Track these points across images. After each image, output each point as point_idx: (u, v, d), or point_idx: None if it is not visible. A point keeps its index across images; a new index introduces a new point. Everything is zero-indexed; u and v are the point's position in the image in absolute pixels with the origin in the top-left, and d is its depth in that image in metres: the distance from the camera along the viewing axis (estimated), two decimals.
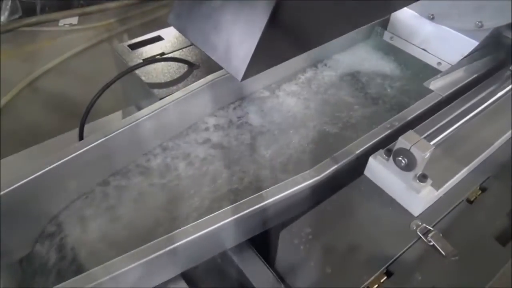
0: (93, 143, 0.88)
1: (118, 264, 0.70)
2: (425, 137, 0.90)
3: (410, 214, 0.83)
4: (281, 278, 0.87)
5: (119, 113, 1.33)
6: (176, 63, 1.21)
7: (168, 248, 0.74)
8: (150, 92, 1.12)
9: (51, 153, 0.83)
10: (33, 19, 2.90)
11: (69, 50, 2.69)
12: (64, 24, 2.98)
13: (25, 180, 0.80)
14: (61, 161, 0.83)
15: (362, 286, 0.72)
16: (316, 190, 0.89)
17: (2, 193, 0.77)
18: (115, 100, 1.41)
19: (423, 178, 0.80)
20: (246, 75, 0.57)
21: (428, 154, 0.77)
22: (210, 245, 0.86)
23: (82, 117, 1.11)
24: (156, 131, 1.00)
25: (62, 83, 2.46)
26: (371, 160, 0.87)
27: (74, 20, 3.02)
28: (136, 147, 0.97)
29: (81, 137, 1.09)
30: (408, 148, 0.77)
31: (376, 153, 0.87)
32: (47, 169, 0.82)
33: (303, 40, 0.62)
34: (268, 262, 0.90)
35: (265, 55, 0.56)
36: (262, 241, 0.95)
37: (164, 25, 1.19)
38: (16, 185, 0.80)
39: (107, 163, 0.92)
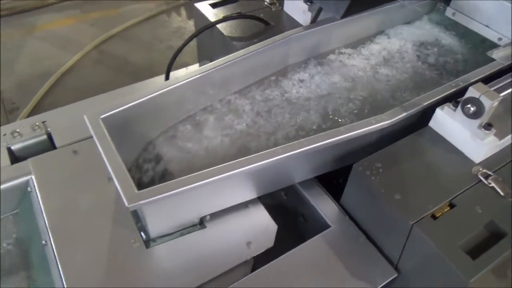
0: (190, 77, 1.00)
1: (198, 177, 0.80)
2: None
3: (472, 161, 0.91)
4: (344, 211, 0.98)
5: (195, 66, 1.45)
6: (252, 21, 1.31)
7: (243, 169, 0.82)
8: (231, 44, 1.23)
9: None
10: None
11: (131, 18, 2.85)
12: None
13: (127, 106, 0.93)
14: (161, 91, 0.96)
15: (428, 213, 0.81)
16: (383, 135, 0.98)
17: (108, 114, 0.90)
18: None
19: (488, 126, 0.88)
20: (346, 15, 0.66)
21: (496, 103, 0.84)
22: (282, 175, 0.97)
23: (169, 61, 1.24)
24: (238, 76, 1.11)
25: (125, 48, 2.62)
26: (438, 111, 0.95)
27: None
28: (220, 88, 1.09)
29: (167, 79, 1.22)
30: (477, 96, 0.85)
31: (444, 105, 0.95)
32: (149, 97, 0.95)
33: None
34: None
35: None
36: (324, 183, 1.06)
37: None
38: (120, 108, 0.93)
39: (196, 98, 1.04)
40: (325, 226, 0.97)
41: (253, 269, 0.91)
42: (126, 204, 0.73)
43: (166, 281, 0.84)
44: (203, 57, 1.48)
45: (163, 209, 0.83)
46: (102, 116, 0.88)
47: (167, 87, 0.96)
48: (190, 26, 2.82)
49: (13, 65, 2.41)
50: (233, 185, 0.90)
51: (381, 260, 0.90)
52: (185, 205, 0.86)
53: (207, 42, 1.40)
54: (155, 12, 2.96)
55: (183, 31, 2.78)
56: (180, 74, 1.09)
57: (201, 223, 0.93)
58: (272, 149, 0.86)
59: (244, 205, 0.97)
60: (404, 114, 0.96)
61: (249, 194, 0.95)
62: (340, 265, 0.89)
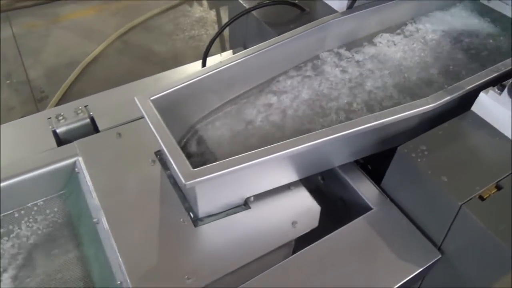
0: (237, 60, 1.01)
1: (250, 157, 0.82)
2: None
3: None
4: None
5: (229, 52, 1.46)
6: (288, 8, 1.32)
7: (289, 150, 0.84)
8: (267, 30, 1.24)
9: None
10: None
11: (153, 9, 2.87)
12: None
13: (175, 88, 0.95)
14: (208, 73, 0.97)
15: (475, 194, 0.82)
16: (424, 120, 0.98)
17: (157, 96, 0.93)
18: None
19: None
20: None
21: None
22: (324, 157, 0.98)
23: (206, 47, 1.25)
24: (277, 61, 1.12)
25: (148, 38, 2.64)
26: (482, 95, 0.96)
27: None
28: (263, 71, 1.10)
29: (204, 66, 1.23)
30: None
31: (488, 88, 0.95)
32: (196, 79, 0.97)
33: None
34: None
35: None
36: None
37: None
38: (168, 91, 0.95)
39: (241, 81, 1.06)
40: (367, 208, 0.98)
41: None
42: (183, 181, 0.75)
43: (213, 259, 0.86)
44: (235, 45, 1.49)
45: (213, 188, 0.85)
46: (151, 98, 0.90)
47: (215, 69, 0.97)
48: (212, 16, 2.83)
49: (39, 54, 2.45)
50: (278, 166, 0.92)
51: (424, 241, 0.91)
52: (233, 185, 0.88)
53: (241, 29, 1.41)
54: (177, 2, 2.97)
55: (205, 21, 2.79)
56: (215, 61, 1.11)
57: (246, 204, 0.95)
58: (316, 131, 0.87)
59: (287, 187, 0.99)
60: (448, 97, 0.96)
61: (292, 176, 0.97)
62: (383, 246, 0.90)
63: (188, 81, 0.95)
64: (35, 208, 1.02)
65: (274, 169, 0.92)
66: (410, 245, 0.91)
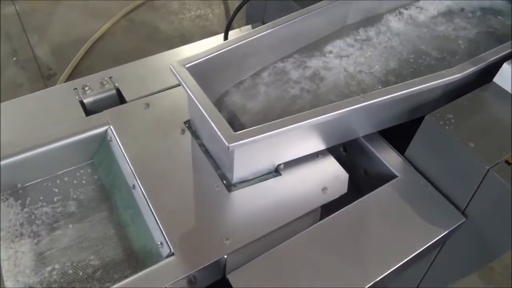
0: (269, 29, 1.03)
1: (290, 121, 0.85)
2: None
3: None
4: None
5: (248, 27, 1.46)
6: None
7: (308, 121, 0.86)
8: (290, 4, 1.25)
9: None
10: None
11: None
12: None
13: (209, 56, 0.97)
14: (241, 42, 0.99)
15: (502, 159, 0.85)
16: (447, 91, 1.01)
17: (192, 64, 0.94)
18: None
19: None
20: None
21: None
22: (352, 126, 1.01)
23: (228, 21, 1.26)
24: (304, 32, 1.14)
25: (154, 17, 2.63)
26: (505, 66, 0.99)
27: None
28: (289, 43, 1.12)
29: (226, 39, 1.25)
30: None
31: (511, 60, 0.98)
32: (229, 47, 0.98)
33: None
34: None
35: None
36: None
37: None
38: (202, 59, 0.96)
39: (273, 50, 1.07)
40: (391, 177, 1.01)
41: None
42: (226, 144, 0.77)
43: (248, 223, 0.89)
44: (252, 20, 1.50)
45: (250, 153, 0.87)
46: (187, 66, 0.91)
47: (247, 38, 0.99)
48: None
49: (44, 33, 2.43)
50: (309, 133, 0.94)
51: (448, 206, 0.95)
52: (267, 150, 0.90)
53: (259, 4, 1.42)
54: None
55: (211, 1, 2.78)
56: (236, 35, 1.12)
57: (276, 171, 0.97)
58: (347, 99, 0.90)
59: (315, 155, 1.01)
60: (473, 68, 0.99)
61: (321, 144, 0.99)
62: (409, 211, 0.94)
63: (222, 49, 0.96)
64: (66, 176, 1.03)
65: (306, 136, 0.94)
66: (435, 210, 0.94)
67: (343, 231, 0.91)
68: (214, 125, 0.80)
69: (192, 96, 0.85)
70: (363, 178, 1.13)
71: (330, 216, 0.93)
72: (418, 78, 0.96)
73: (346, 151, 1.16)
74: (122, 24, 2.53)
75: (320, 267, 0.85)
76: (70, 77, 2.12)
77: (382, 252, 0.89)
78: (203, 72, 0.97)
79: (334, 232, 0.91)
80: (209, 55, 0.97)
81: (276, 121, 0.83)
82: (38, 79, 2.11)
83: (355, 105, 0.90)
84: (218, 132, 0.79)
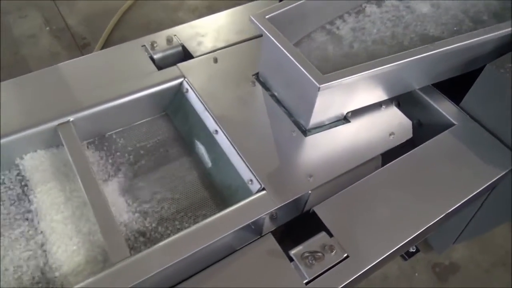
0: None
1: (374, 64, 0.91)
2: None
3: None
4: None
5: None
6: None
7: (391, 64, 0.92)
8: None
9: None
10: None
11: None
12: None
13: (288, 7, 1.02)
14: None
15: None
16: (498, 45, 1.07)
17: (271, 15, 0.99)
18: None
19: None
20: None
21: None
22: (412, 77, 1.07)
23: None
24: None
25: None
26: None
27: None
28: None
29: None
30: None
31: None
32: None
33: None
34: None
35: None
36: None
37: None
38: (280, 10, 1.01)
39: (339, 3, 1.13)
40: (448, 125, 1.09)
41: None
42: (317, 85, 0.84)
43: (326, 163, 0.95)
44: None
45: (329, 98, 0.94)
46: (267, 16, 0.97)
47: None
48: None
49: (74, 4, 2.44)
50: (378, 81, 1.00)
51: (506, 150, 1.02)
52: (343, 96, 0.97)
53: None
54: None
55: None
56: None
57: (345, 118, 1.04)
58: (415, 49, 0.96)
59: (378, 105, 1.08)
60: None
61: (385, 93, 1.06)
62: (468, 155, 1.02)
63: (298, 1, 1.01)
64: (143, 127, 1.10)
65: (374, 84, 1.01)
66: (493, 154, 1.02)
67: (406, 174, 0.98)
68: (303, 68, 0.86)
69: (277, 43, 0.91)
70: (415, 130, 1.20)
71: (397, 159, 1.01)
72: (479, 30, 1.02)
73: (399, 105, 1.23)
74: None
75: (392, 201, 0.93)
76: (104, 46, 2.15)
77: (447, 191, 0.97)
78: (282, 22, 1.02)
79: (401, 173, 0.98)
80: (289, 6, 1.02)
81: (360, 65, 0.90)
82: (73, 48, 2.14)
83: (425, 52, 0.96)
84: (308, 74, 0.85)
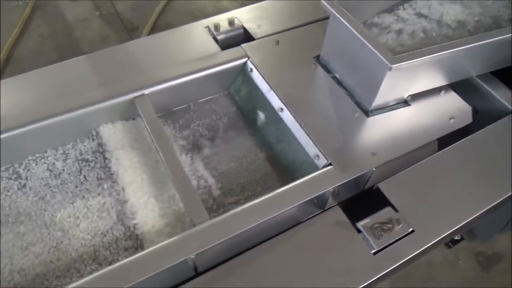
0: None
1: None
2: None
3: None
4: None
5: None
6: None
7: (458, 48, 0.95)
8: None
9: None
10: None
11: None
12: None
13: None
14: None
15: None
16: None
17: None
18: None
19: None
20: None
21: None
22: (472, 63, 1.09)
23: None
24: None
25: None
26: None
27: None
28: None
29: None
30: None
31: None
32: None
33: None
34: None
35: None
36: None
37: None
38: None
39: None
40: (506, 112, 1.10)
41: None
42: (389, 65, 0.87)
43: (389, 142, 0.98)
44: None
45: (394, 80, 0.97)
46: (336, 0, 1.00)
47: None
48: None
49: None
50: (439, 66, 1.03)
51: None
52: (406, 78, 1.00)
53: None
54: None
55: None
56: None
57: (405, 101, 1.07)
58: (479, 34, 0.98)
59: (438, 90, 1.10)
60: None
61: (445, 79, 1.08)
62: None
63: None
64: (207, 104, 1.15)
65: (438, 68, 1.03)
66: None
67: (468, 157, 1.01)
68: (375, 49, 0.89)
69: (348, 25, 0.94)
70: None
71: (455, 143, 1.03)
72: None
73: (455, 91, 1.25)
74: None
75: (453, 183, 0.96)
76: (151, 31, 2.22)
77: (504, 177, 0.98)
78: (347, 5, 1.05)
79: (460, 158, 1.01)
80: None
81: (429, 47, 0.92)
82: (122, 31, 2.22)
83: (488, 39, 0.98)
84: (379, 55, 0.88)
